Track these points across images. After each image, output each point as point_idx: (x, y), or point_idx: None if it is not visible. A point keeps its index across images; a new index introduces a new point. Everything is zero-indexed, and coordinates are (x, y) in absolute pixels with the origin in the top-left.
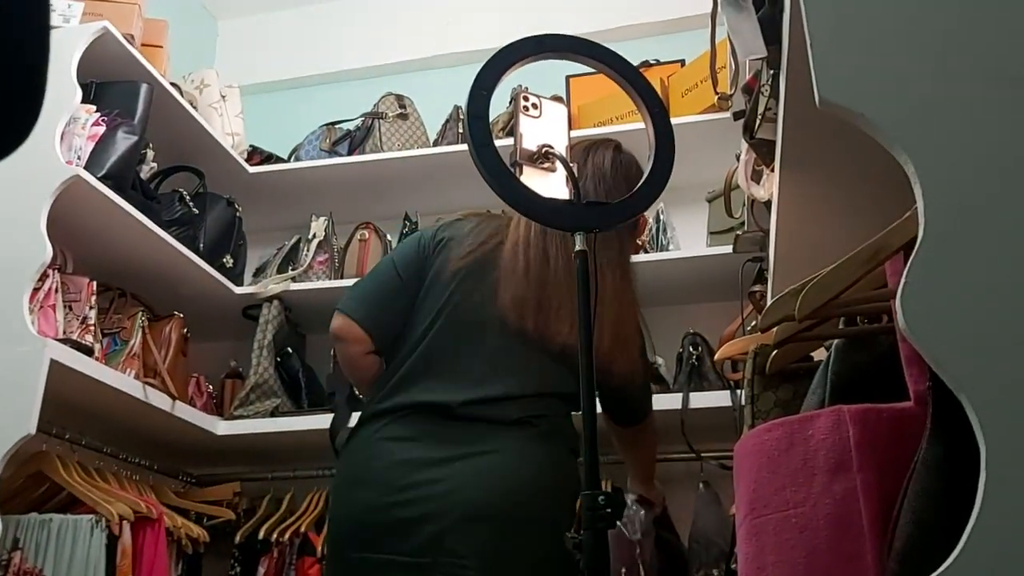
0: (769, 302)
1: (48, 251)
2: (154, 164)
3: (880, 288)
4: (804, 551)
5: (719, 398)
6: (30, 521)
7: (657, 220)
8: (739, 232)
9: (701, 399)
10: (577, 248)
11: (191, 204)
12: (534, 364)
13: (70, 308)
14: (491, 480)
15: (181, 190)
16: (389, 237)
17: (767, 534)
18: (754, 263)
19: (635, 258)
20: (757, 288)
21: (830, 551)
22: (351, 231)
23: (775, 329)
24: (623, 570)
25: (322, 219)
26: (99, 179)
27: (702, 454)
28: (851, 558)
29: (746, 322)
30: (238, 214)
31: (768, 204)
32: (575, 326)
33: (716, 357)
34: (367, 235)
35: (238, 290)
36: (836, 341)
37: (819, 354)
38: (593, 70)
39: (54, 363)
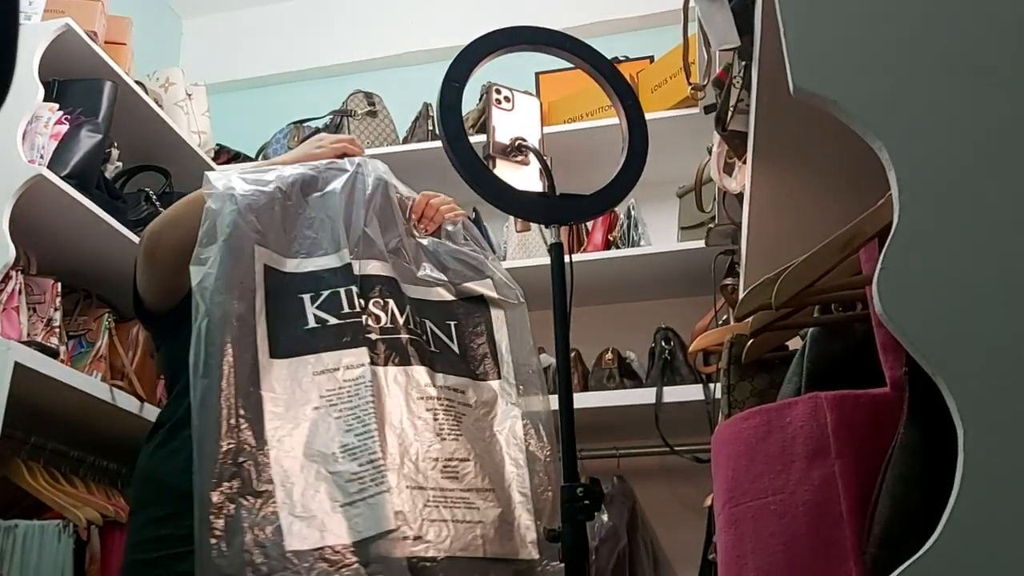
0: (742, 293)
1: (11, 252)
2: (119, 163)
3: (855, 275)
4: (783, 538)
5: (692, 392)
6: None
7: (628, 216)
8: (711, 226)
9: (674, 393)
10: (552, 241)
11: (157, 204)
12: None
13: (34, 310)
14: None
15: (147, 189)
16: None
17: (746, 522)
18: (726, 256)
19: (606, 254)
20: (729, 281)
21: (809, 537)
22: None
23: (751, 318)
24: None
25: None
26: (63, 178)
27: (676, 447)
28: (830, 544)
29: (718, 315)
30: None
31: (740, 196)
32: None
33: (691, 348)
34: None
35: None
36: (811, 329)
37: (794, 343)
38: (563, 67)
39: (18, 366)
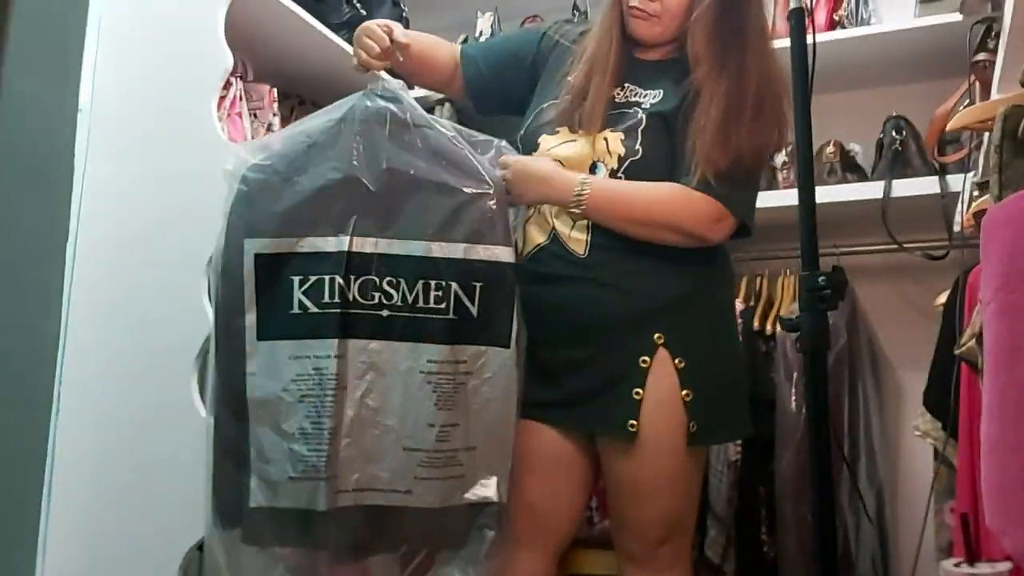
0: (998, 71)
1: (229, 58)
2: None
3: None
4: None
5: (925, 185)
6: None
7: None
8: None
9: (904, 187)
10: (792, 6)
11: (359, 6)
12: None
13: (255, 115)
14: None
15: None
16: None
17: (1021, 312)
18: (981, 25)
19: (831, 35)
20: (982, 57)
21: None
22: (517, 26)
23: None
24: None
25: (488, 14)
26: None
27: (904, 244)
28: None
29: (969, 95)
30: (404, 14)
31: None
32: None
33: (949, 126)
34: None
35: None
36: None
37: None
38: None
39: None
